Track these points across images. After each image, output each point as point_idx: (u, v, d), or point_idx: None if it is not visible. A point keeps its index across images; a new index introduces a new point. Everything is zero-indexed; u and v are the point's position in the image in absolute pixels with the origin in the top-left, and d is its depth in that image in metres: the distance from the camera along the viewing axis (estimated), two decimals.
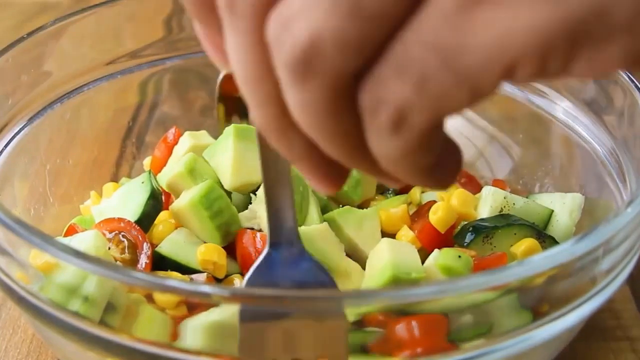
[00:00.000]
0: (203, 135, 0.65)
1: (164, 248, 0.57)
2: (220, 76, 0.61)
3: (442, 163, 0.35)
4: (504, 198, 0.59)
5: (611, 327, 0.59)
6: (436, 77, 0.30)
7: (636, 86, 0.55)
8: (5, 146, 0.59)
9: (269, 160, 0.45)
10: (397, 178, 0.35)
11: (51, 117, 0.63)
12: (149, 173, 0.60)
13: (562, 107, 0.63)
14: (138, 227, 0.56)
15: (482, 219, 0.58)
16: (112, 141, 0.71)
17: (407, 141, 0.32)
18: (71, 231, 0.60)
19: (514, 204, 0.59)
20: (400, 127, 0.32)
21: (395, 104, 0.31)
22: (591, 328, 0.58)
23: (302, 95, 0.32)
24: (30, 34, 0.61)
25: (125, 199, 0.60)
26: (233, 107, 0.60)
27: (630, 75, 0.56)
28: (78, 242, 0.53)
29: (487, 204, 0.59)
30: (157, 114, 0.73)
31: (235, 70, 0.33)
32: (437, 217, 0.57)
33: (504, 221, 0.57)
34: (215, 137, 0.72)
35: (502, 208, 0.58)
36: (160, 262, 0.57)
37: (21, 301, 0.46)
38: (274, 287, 0.48)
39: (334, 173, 0.36)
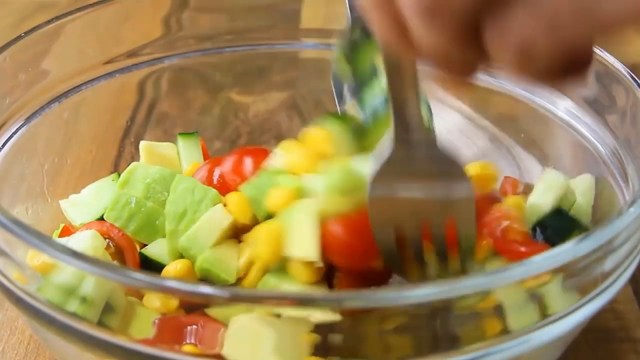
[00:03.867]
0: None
1: (151, 250, 0.57)
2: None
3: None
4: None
5: (613, 328, 0.59)
6: (567, 19, 0.32)
7: (639, 85, 0.55)
8: (3, 145, 0.59)
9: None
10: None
11: (49, 117, 0.63)
12: (118, 173, 0.63)
13: (564, 107, 0.63)
14: (123, 231, 0.57)
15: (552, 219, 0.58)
16: (111, 140, 0.70)
17: (534, 73, 0.34)
18: (66, 232, 0.60)
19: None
20: (524, 63, 0.34)
21: (521, 38, 0.33)
22: (593, 329, 0.58)
23: (428, 33, 0.34)
24: (28, 33, 0.61)
25: (96, 195, 0.62)
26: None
27: (633, 75, 0.56)
28: (76, 242, 0.53)
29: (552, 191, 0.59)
30: (155, 113, 0.73)
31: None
32: None
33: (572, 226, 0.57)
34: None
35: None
36: (146, 265, 0.57)
37: (19, 302, 0.46)
38: (401, 183, 0.49)
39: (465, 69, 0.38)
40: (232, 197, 0.56)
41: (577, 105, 0.62)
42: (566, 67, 0.35)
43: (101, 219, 0.59)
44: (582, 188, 0.59)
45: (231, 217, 0.55)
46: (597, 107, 0.60)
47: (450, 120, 0.70)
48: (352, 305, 0.43)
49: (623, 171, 0.56)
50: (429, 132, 0.50)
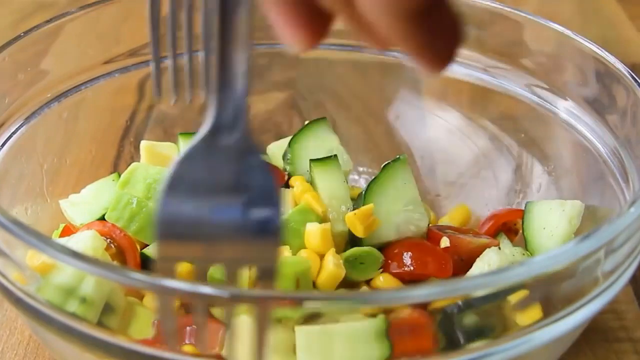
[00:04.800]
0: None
1: (152, 250, 0.57)
2: None
3: (436, 27, 0.32)
4: None
5: (614, 328, 0.59)
6: None
7: (639, 85, 0.55)
8: (2, 145, 0.59)
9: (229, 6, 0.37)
10: (381, 33, 0.31)
11: (48, 116, 0.63)
12: (118, 173, 0.63)
13: (564, 106, 0.63)
14: (124, 231, 0.56)
15: None
16: (110, 141, 0.70)
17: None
18: (67, 231, 0.60)
19: None
20: None
21: None
22: (594, 329, 0.57)
23: None
24: (27, 32, 0.61)
25: (96, 195, 0.62)
26: None
27: (633, 74, 0.56)
28: (75, 242, 0.53)
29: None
30: (155, 113, 0.73)
31: None
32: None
33: None
34: None
35: None
36: (147, 265, 0.56)
37: (18, 302, 0.46)
38: (203, 181, 0.40)
39: (310, 16, 0.32)
40: None
41: (578, 105, 0.62)
42: None
43: (101, 218, 0.59)
44: (569, 213, 0.58)
45: None
46: (598, 107, 0.60)
47: (450, 119, 0.70)
48: (352, 305, 0.43)
49: (623, 171, 0.56)
50: (248, 132, 0.40)
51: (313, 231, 0.56)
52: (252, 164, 0.40)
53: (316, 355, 0.44)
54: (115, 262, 0.55)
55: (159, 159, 0.63)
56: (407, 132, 0.71)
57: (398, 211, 0.58)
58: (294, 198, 0.59)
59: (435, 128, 0.71)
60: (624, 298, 0.61)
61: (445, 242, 0.58)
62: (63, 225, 0.61)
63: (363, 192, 0.59)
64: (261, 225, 0.40)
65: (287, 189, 0.60)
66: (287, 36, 0.33)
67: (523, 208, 0.61)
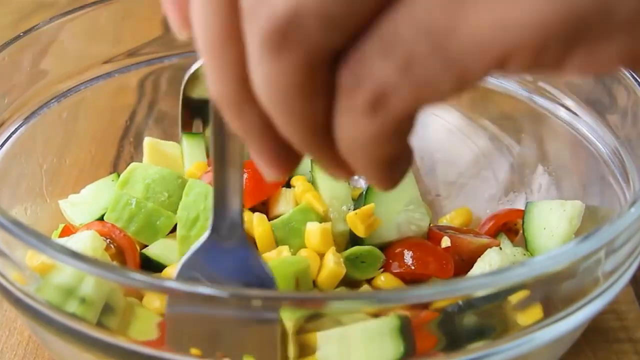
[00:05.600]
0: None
1: (153, 250, 0.57)
2: (187, 76, 0.62)
3: (399, 164, 0.34)
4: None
5: (614, 328, 0.59)
6: (423, 61, 0.29)
7: (639, 84, 0.55)
8: (2, 145, 0.59)
9: (222, 138, 0.42)
10: (350, 170, 0.34)
11: (48, 116, 0.63)
12: (117, 173, 0.63)
13: (564, 106, 0.62)
14: (124, 232, 0.56)
15: None
16: (110, 140, 0.70)
17: (381, 125, 0.31)
18: (67, 232, 0.60)
19: None
20: (378, 109, 0.30)
21: (377, 84, 0.30)
22: (594, 330, 0.57)
23: (271, 69, 0.30)
24: (26, 32, 0.61)
25: (96, 195, 0.62)
26: (196, 111, 0.64)
27: (634, 74, 0.56)
28: (75, 242, 0.53)
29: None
30: (154, 113, 0.72)
31: (197, 33, 0.32)
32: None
33: None
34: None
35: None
36: (147, 266, 0.57)
37: (17, 303, 0.46)
38: (207, 278, 0.45)
39: (285, 157, 0.34)
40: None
41: (578, 105, 0.61)
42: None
43: (101, 219, 0.58)
44: (570, 214, 0.58)
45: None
46: (598, 107, 0.60)
47: (450, 119, 0.70)
48: (352, 305, 0.43)
49: (624, 171, 0.56)
50: (245, 240, 0.45)
51: (313, 230, 0.56)
52: (251, 264, 0.45)
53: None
54: (114, 262, 0.55)
55: (161, 157, 0.63)
56: None
57: (399, 211, 0.58)
58: (295, 198, 0.59)
59: (435, 128, 0.70)
60: (624, 298, 0.61)
61: (446, 242, 0.58)
62: (62, 225, 0.61)
63: (364, 192, 0.59)
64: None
65: (288, 189, 0.60)
66: (261, 167, 0.35)
67: (523, 208, 0.61)
